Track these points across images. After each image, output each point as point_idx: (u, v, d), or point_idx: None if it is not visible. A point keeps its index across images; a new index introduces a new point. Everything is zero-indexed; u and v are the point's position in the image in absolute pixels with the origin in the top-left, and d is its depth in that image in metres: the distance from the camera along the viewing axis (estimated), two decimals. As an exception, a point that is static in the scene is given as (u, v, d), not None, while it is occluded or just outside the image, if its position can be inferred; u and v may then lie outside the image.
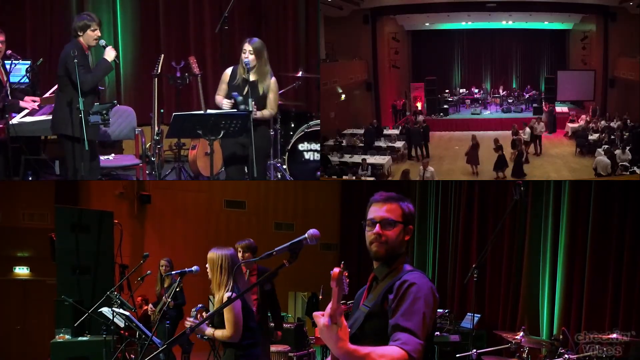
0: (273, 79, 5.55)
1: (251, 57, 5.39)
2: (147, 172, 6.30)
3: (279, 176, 6.61)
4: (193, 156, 6.73)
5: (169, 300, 6.66)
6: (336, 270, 2.33)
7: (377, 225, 2.54)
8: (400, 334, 2.35)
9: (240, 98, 5.32)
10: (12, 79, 6.00)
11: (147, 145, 6.58)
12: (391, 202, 2.57)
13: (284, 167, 6.49)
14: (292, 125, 6.93)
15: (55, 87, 6.04)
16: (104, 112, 5.16)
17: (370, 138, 10.82)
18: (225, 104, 5.40)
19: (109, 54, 5.43)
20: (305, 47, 8.11)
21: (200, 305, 4.50)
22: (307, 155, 6.61)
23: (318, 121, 6.86)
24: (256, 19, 7.89)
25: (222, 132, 5.08)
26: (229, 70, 5.58)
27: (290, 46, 8.11)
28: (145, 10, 7.95)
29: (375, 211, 2.57)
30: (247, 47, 5.43)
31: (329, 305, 2.25)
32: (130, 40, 7.87)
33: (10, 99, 5.64)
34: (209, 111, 5.31)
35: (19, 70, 6.19)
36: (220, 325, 4.23)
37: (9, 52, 5.94)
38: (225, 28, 6.29)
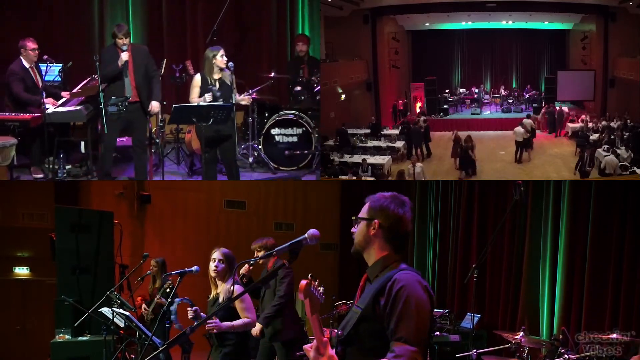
0: (228, 72, 6.64)
1: (225, 60, 6.53)
2: (152, 150, 7.49)
3: (256, 154, 8.21)
4: (189, 138, 8.03)
5: (161, 299, 6.73)
6: (303, 282, 2.37)
7: None
8: (394, 346, 2.38)
9: (216, 90, 6.48)
10: (47, 78, 7.70)
11: (153, 130, 7.64)
12: (366, 202, 2.67)
13: (260, 147, 8.13)
14: (266, 114, 8.44)
15: (84, 82, 7.84)
16: (119, 103, 6.47)
17: (343, 139, 10.85)
18: (207, 98, 6.43)
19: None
20: (277, 53, 9.94)
21: (180, 300, 4.55)
22: (277, 138, 8.15)
23: (287, 111, 8.28)
24: (239, 32, 9.76)
25: (211, 120, 6.16)
26: (198, 76, 6.57)
27: (265, 53, 9.92)
28: (152, 22, 9.71)
29: None
30: (222, 52, 6.53)
31: (314, 341, 2.45)
32: (140, 47, 9.61)
33: (44, 96, 7.14)
34: (201, 104, 6.35)
35: (53, 72, 7.84)
36: (224, 319, 4.35)
37: (45, 57, 7.62)
38: (214, 39, 7.69)
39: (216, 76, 6.55)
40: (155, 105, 6.98)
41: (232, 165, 6.78)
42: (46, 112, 7.04)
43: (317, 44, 9.87)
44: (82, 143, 7.77)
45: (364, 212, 2.63)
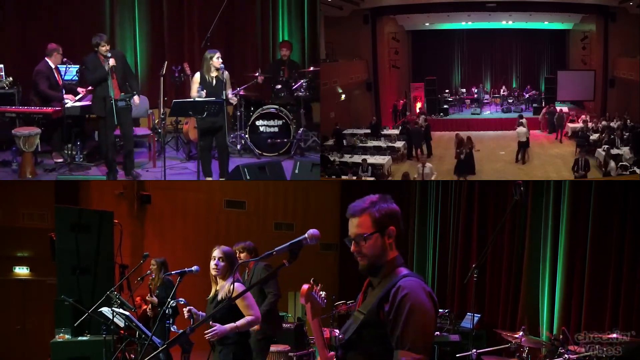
0: (226, 72, 7.71)
1: (220, 61, 7.54)
2: (156, 139, 8.86)
3: (243, 142, 9.39)
4: (186, 129, 9.30)
5: (153, 297, 6.81)
6: (305, 286, 2.34)
7: (353, 243, 2.54)
8: (401, 355, 2.37)
9: (201, 90, 7.48)
10: (66, 78, 8.86)
11: (156, 122, 9.05)
12: (359, 214, 2.54)
13: (246, 136, 9.35)
14: (252, 108, 9.63)
15: None
16: (127, 99, 7.59)
17: (338, 139, 11.05)
18: (202, 95, 7.44)
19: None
20: (261, 56, 11.35)
21: (175, 301, 4.55)
22: (261, 129, 9.34)
23: (269, 105, 9.45)
24: (229, 38, 11.08)
25: (205, 113, 7.10)
26: (197, 75, 7.61)
27: (251, 56, 11.29)
28: (154, 29, 10.99)
29: (350, 228, 2.56)
30: (218, 54, 7.56)
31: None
32: (145, 51, 10.87)
33: (65, 92, 8.38)
34: (196, 99, 7.32)
35: (71, 72, 8.93)
36: (225, 318, 4.35)
37: (65, 59, 8.74)
38: (208, 44, 8.68)
39: (213, 74, 7.58)
40: (137, 100, 7.94)
41: (223, 152, 7.70)
42: (66, 106, 8.19)
43: (297, 48, 10.97)
44: (96, 133, 8.86)
45: (367, 227, 2.52)
